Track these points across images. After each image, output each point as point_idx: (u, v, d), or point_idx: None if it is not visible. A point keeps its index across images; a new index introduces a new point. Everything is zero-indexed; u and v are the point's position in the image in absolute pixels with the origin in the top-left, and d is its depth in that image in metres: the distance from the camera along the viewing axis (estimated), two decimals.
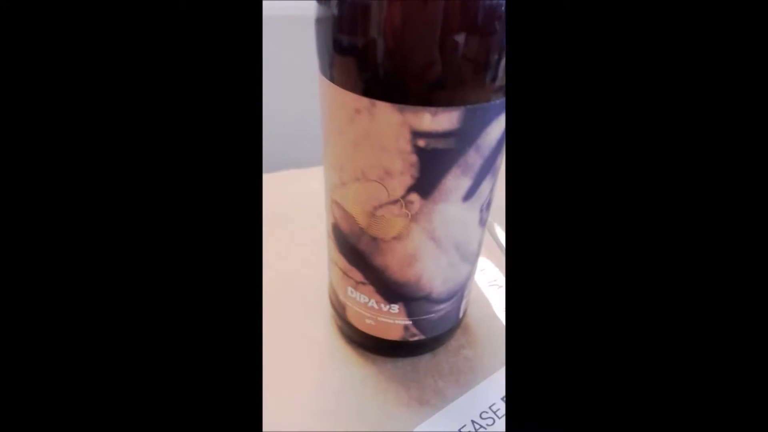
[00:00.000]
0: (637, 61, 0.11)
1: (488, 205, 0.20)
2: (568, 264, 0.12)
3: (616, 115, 0.11)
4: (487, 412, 0.22)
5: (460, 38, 0.14)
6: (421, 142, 0.16)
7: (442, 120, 0.15)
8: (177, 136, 0.11)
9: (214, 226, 0.11)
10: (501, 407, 0.23)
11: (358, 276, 0.21)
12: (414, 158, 0.16)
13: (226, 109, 0.11)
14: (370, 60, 0.15)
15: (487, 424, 0.22)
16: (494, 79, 0.15)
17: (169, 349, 0.11)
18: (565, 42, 0.11)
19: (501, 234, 0.34)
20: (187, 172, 0.11)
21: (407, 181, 0.17)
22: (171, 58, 0.11)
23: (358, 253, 0.20)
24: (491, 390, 0.24)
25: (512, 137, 0.12)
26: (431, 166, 0.17)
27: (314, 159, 0.32)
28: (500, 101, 0.16)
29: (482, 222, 0.21)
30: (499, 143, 0.18)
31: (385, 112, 0.15)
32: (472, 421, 0.22)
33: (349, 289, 0.22)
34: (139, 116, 0.11)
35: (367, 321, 0.23)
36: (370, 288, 0.21)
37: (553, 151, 0.12)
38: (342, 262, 0.21)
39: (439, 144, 0.16)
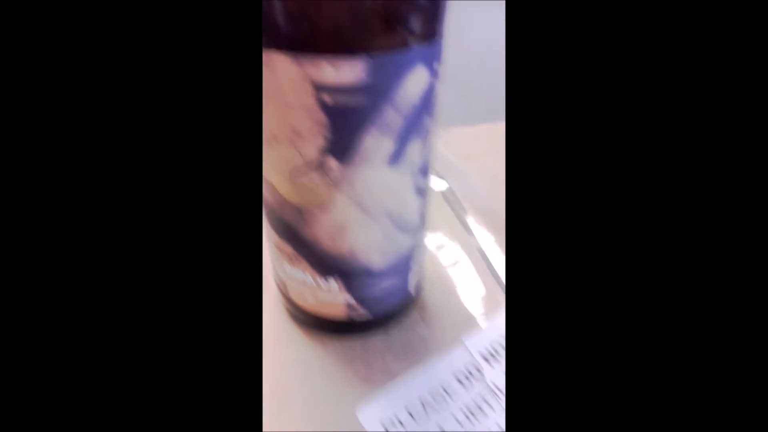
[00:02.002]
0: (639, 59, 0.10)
1: (424, 171, 0.19)
2: (575, 275, 0.11)
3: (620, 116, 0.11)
4: (437, 389, 0.21)
5: None
6: (327, 98, 0.15)
7: (345, 72, 0.14)
8: (176, 136, 0.11)
9: (210, 219, 0.11)
10: (455, 388, 0.22)
11: (289, 250, 0.20)
12: (322, 116, 0.15)
13: (225, 112, 0.11)
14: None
15: (437, 401, 0.21)
16: (405, 20, 0.14)
17: (168, 349, 0.11)
18: (566, 35, 0.11)
19: (471, 220, 0.33)
20: (186, 173, 0.11)
21: (319, 142, 0.16)
22: (171, 58, 0.11)
23: (286, 225, 0.19)
24: (444, 367, 0.22)
25: (512, 138, 0.12)
26: (343, 126, 0.15)
27: None
28: (416, 50, 0.15)
29: (419, 190, 0.19)
30: (423, 101, 0.16)
31: (283, 64, 0.14)
32: (420, 400, 0.21)
33: (286, 265, 0.21)
34: (137, 117, 0.11)
35: (309, 300, 0.22)
36: (304, 263, 0.20)
37: (557, 151, 0.11)
38: (274, 236, 0.20)
39: (348, 100, 0.15)
